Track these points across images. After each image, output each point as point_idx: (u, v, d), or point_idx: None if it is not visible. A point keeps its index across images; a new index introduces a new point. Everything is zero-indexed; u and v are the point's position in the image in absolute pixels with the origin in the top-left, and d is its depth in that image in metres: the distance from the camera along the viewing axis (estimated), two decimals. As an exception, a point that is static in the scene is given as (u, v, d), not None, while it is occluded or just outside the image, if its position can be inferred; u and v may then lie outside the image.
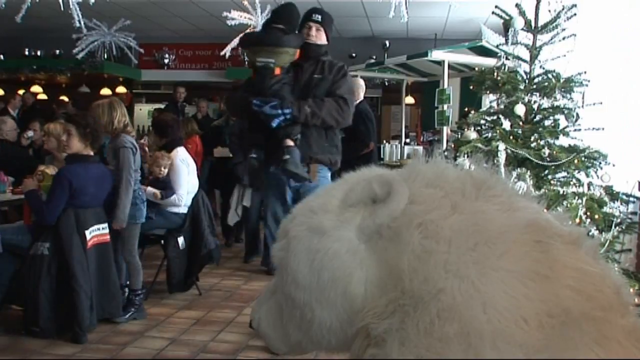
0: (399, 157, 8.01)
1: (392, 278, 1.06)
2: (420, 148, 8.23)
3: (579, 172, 3.20)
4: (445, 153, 3.63)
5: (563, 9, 3.37)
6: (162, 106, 10.14)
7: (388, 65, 7.63)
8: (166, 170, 4.65)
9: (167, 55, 10.94)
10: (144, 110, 11.00)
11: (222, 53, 7.63)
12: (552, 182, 3.22)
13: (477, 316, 0.95)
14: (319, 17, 3.76)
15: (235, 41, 7.52)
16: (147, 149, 5.08)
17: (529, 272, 0.98)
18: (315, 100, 3.50)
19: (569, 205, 3.01)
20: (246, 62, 8.65)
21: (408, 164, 1.19)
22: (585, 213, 3.03)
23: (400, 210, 1.08)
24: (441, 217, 1.06)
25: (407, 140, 9.01)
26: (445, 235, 1.03)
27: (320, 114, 3.46)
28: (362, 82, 5.84)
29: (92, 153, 3.82)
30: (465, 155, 3.12)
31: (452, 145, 3.50)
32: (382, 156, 8.06)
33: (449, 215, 1.06)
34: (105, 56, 9.77)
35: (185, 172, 4.71)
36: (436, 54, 6.10)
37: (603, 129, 3.25)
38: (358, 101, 5.62)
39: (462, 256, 1.01)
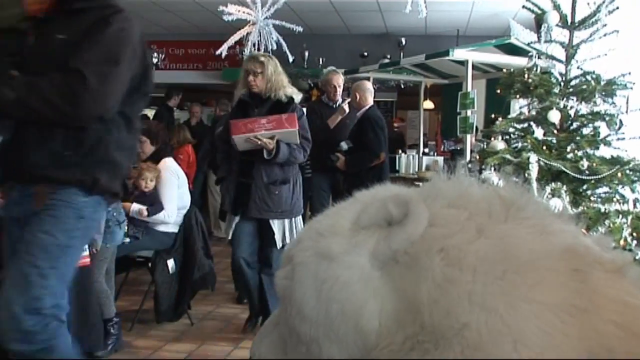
0: (416, 169, 8.02)
1: (409, 310, 1.07)
2: (441, 159, 8.23)
3: (622, 187, 3.20)
4: (469, 165, 3.64)
5: (604, 2, 3.39)
6: (151, 111, 10.21)
7: (404, 66, 7.67)
8: (153, 184, 4.67)
9: (155, 55, 11.04)
10: (128, 116, 11.08)
11: (217, 52, 7.68)
12: (591, 198, 3.22)
13: (507, 355, 0.95)
14: None
15: (233, 39, 7.58)
16: None
17: (566, 305, 0.98)
18: (30, 77, 2.22)
19: (611, 226, 3.00)
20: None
21: (427, 182, 1.20)
22: (630, 234, 3.02)
23: (418, 233, 1.09)
24: (465, 241, 1.06)
25: (426, 150, 9.02)
26: (469, 262, 1.04)
27: (30, 100, 2.18)
28: (369, 86, 5.88)
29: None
30: (492, 168, 3.13)
31: (477, 157, 3.51)
32: (396, 168, 8.08)
33: (473, 239, 1.06)
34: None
35: (175, 185, 4.74)
36: (458, 53, 6.13)
37: (650, 137, 3.25)
38: (367, 106, 5.65)
39: (489, 286, 1.01)
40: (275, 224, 4.25)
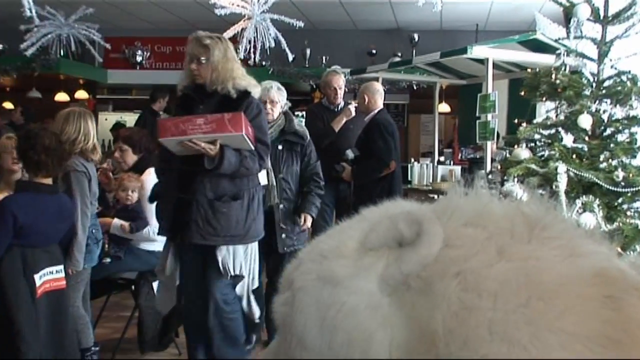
0: (430, 180, 8.03)
1: (422, 341, 1.07)
2: (458, 168, 8.24)
3: (662, 200, 3.20)
4: (489, 176, 3.65)
5: (639, -5, 3.40)
6: (134, 116, 10.23)
7: (417, 65, 7.70)
8: (136, 196, 4.68)
9: (140, 52, 11.08)
10: (110, 121, 11.06)
11: (208, 50, 7.73)
12: (628, 213, 3.22)
13: (531, 391, 0.96)
14: None
15: (226, 35, 7.61)
16: (110, 174, 5.08)
17: (597, 336, 0.98)
18: None
19: (650, 244, 3.00)
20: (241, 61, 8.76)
21: (442, 198, 1.21)
22: (671, 254, 3.02)
23: (432, 255, 1.09)
24: (484, 264, 1.07)
25: (441, 159, 9.02)
26: (489, 288, 1.04)
27: None
28: (379, 87, 5.91)
29: (48, 180, 3.73)
30: (515, 180, 3.13)
31: (499, 167, 3.52)
32: (409, 178, 8.08)
33: (494, 262, 1.07)
34: (62, 53, 9.91)
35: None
36: (478, 50, 6.15)
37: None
38: (376, 110, 5.68)
39: (511, 314, 1.02)
40: (222, 252, 3.76)
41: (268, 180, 4.46)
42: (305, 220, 4.60)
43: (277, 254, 4.51)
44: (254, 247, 3.91)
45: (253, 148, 3.69)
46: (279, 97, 4.72)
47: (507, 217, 1.13)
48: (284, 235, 4.54)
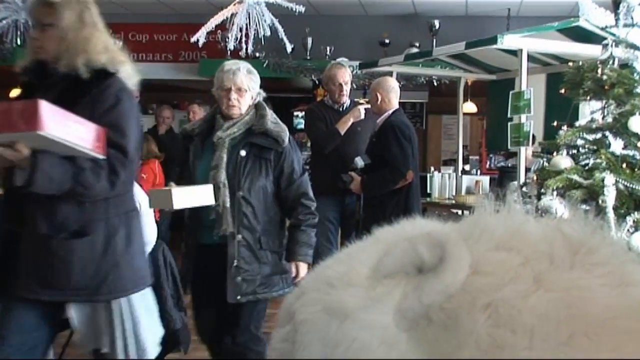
0: (453, 193, 8.04)
1: (447, 384, 1.08)
2: (486, 179, 8.25)
3: None
4: (524, 189, 3.65)
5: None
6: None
7: (437, 57, 7.72)
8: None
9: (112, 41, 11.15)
10: (75, 122, 11.16)
11: (193, 39, 7.76)
12: (687, 233, 3.22)
13: None
14: None
15: (214, 22, 7.65)
16: None
17: (651, 379, 0.99)
18: None
19: None
20: (228, 53, 8.79)
21: (469, 217, 1.22)
22: None
23: (458, 284, 1.10)
24: (519, 294, 1.07)
25: (467, 168, 9.03)
26: (525, 322, 1.05)
27: None
28: (394, 84, 5.92)
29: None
30: (554, 194, 3.14)
31: (534, 178, 3.53)
32: (428, 191, 8.08)
33: (530, 292, 1.07)
34: (19, 41, 9.96)
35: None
36: (510, 40, 6.16)
37: None
38: (391, 111, 5.69)
39: (551, 354, 1.02)
40: (76, 312, 3.01)
41: (218, 200, 3.74)
42: (298, 271, 3.86)
43: (226, 305, 3.78)
44: (128, 303, 3.07)
45: (98, 156, 2.85)
46: (248, 84, 3.93)
47: (546, 239, 1.14)
48: (239, 279, 3.74)
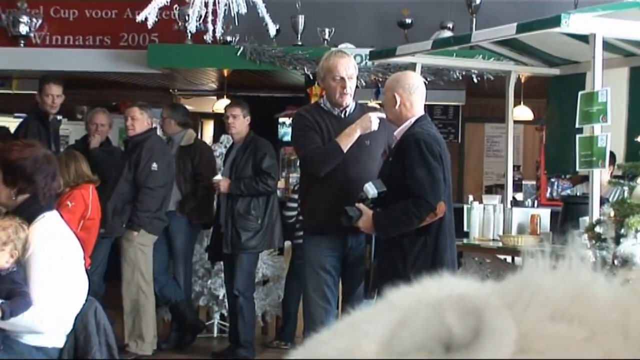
0: (499, 231, 8.03)
1: None
2: (546, 213, 8.23)
3: None
4: (597, 229, 3.67)
5: None
6: (15, 121, 10.25)
7: (477, 44, 7.76)
8: (12, 258, 4.68)
9: (25, 20, 11.15)
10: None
11: (139, 17, 7.79)
12: None
13: None
14: None
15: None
16: None
17: None
18: None
19: None
20: (188, 36, 8.83)
21: (516, 275, 1.23)
22: None
23: (501, 365, 1.12)
24: (584, 381, 1.08)
25: (519, 197, 9.02)
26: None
27: None
28: (418, 81, 5.91)
29: None
30: (638, 236, 3.17)
31: (611, 213, 3.55)
32: (465, 228, 8.08)
33: (599, 377, 1.09)
34: None
35: (58, 261, 4.76)
36: (579, 21, 6.20)
37: None
38: (412, 118, 5.67)
39: None
40: None
41: None
42: None
43: None
44: None
45: None
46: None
47: (619, 306, 1.15)
48: None
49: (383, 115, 5.94)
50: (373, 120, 5.90)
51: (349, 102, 6.13)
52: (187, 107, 10.38)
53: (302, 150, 6.21)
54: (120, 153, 9.31)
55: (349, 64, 6.13)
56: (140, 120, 8.72)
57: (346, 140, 5.91)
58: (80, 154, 8.20)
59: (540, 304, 1.14)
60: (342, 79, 6.05)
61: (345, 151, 5.89)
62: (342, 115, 6.09)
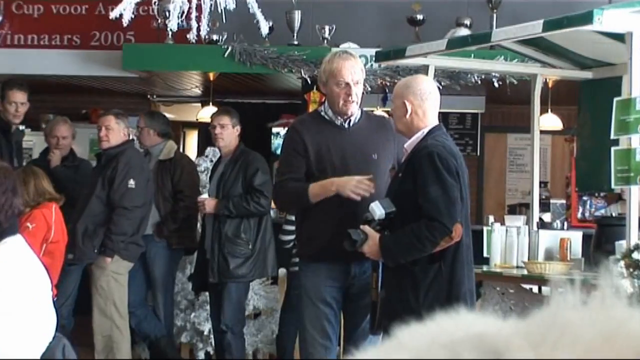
0: (524, 257, 8.03)
1: None
2: (577, 236, 8.23)
3: None
4: (635, 254, 3.69)
5: None
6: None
7: (499, 43, 7.78)
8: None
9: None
10: None
11: (113, 14, 7.81)
12: None
13: None
14: None
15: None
16: None
17: None
18: None
19: None
20: (169, 35, 8.85)
21: (542, 309, 1.24)
22: None
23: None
24: None
25: (546, 218, 9.02)
26: None
27: None
28: (431, 86, 5.90)
29: None
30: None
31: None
32: (484, 254, 8.07)
33: None
34: None
35: (18, 292, 4.77)
36: (613, 18, 6.22)
37: None
38: (426, 129, 5.66)
39: None
40: None
41: None
42: None
43: None
44: None
45: None
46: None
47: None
48: None
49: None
50: (352, 188, 5.79)
51: (355, 111, 6.08)
52: (168, 115, 10.40)
53: (277, 178, 6.23)
54: (92, 168, 9.27)
55: (355, 67, 6.08)
56: (116, 131, 8.67)
57: (319, 191, 5.90)
58: (40, 170, 8.16)
59: (568, 346, 1.14)
60: (348, 84, 5.98)
61: (312, 202, 5.90)
62: (346, 125, 6.05)
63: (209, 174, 9.09)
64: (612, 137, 6.19)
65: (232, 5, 7.45)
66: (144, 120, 9.35)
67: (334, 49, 6.79)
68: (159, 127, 9.28)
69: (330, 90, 6.11)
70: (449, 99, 8.38)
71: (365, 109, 6.34)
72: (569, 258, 7.79)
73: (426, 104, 5.69)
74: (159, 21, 9.78)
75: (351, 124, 6.10)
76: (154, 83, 11.99)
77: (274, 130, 12.27)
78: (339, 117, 6.09)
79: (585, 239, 8.18)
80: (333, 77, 6.04)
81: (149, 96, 12.78)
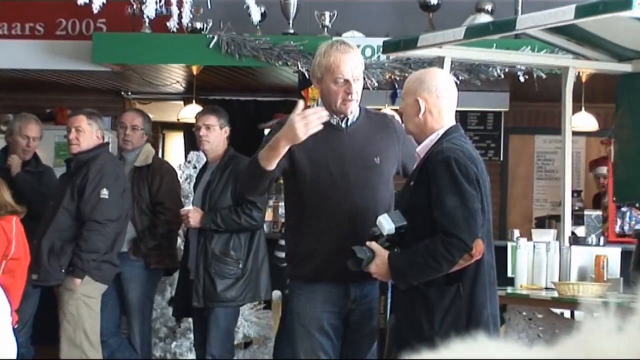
0: (555, 277, 8.04)
1: None
2: (615, 252, 8.24)
3: None
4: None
5: None
6: None
7: (525, 32, 7.80)
8: None
9: None
10: None
11: (81, 0, 7.85)
12: None
13: None
14: None
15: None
16: None
17: None
18: None
19: None
20: (145, 22, 8.88)
21: (573, 335, 1.26)
22: None
23: None
24: None
25: (579, 232, 9.03)
26: None
27: None
28: (447, 82, 5.90)
29: None
30: None
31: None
32: (509, 273, 8.08)
33: None
34: None
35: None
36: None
37: None
38: (441, 130, 5.66)
39: None
40: None
41: None
42: None
43: None
44: None
45: None
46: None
47: None
48: None
49: (322, 111, 5.75)
50: (298, 126, 5.57)
51: (354, 110, 6.01)
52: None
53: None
54: (59, 176, 9.24)
55: (355, 61, 5.98)
56: (88, 133, 8.60)
57: (267, 155, 5.72)
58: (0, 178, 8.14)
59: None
60: (347, 81, 5.88)
61: (270, 169, 5.71)
62: (343, 125, 5.98)
63: (193, 183, 9.08)
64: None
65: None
66: (138, 119, 9.32)
67: (333, 39, 6.71)
68: (149, 129, 9.25)
69: (326, 87, 5.99)
70: (467, 95, 8.38)
71: (371, 107, 6.30)
72: (605, 278, 7.76)
73: (442, 101, 5.66)
74: (135, 7, 9.79)
75: (349, 123, 6.02)
76: (128, 78, 12.00)
77: (267, 131, 12.28)
78: (335, 116, 5.98)
79: (624, 256, 8.17)
80: (330, 73, 5.92)
81: (123, 93, 12.79)
